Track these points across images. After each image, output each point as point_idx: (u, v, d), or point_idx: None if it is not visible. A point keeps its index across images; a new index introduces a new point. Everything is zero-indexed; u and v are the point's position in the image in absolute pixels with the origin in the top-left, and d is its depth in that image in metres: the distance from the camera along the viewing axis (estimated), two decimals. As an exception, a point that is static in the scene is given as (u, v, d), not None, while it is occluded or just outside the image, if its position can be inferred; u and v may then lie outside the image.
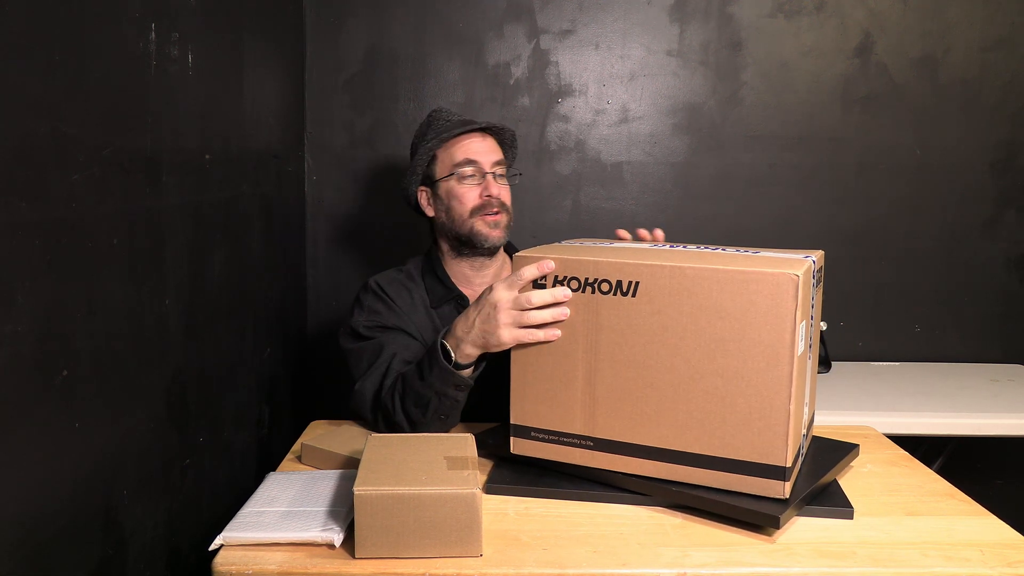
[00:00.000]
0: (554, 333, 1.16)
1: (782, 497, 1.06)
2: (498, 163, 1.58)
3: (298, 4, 2.10)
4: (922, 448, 2.05)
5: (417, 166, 1.60)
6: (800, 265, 1.05)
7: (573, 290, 1.14)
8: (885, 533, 1.08)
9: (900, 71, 2.25)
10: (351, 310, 1.56)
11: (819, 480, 1.15)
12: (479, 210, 1.54)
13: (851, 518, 1.12)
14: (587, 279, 1.14)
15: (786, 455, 1.04)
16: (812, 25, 2.23)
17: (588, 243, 1.30)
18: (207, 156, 1.37)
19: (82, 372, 0.96)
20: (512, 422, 1.22)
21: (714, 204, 2.27)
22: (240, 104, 1.57)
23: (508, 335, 1.18)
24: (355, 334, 1.51)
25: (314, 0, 2.15)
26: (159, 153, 1.17)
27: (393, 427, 1.38)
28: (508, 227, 1.58)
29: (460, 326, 1.27)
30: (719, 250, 1.18)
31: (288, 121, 1.99)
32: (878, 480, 1.24)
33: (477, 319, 1.23)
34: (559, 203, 2.26)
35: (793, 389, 1.03)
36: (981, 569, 0.99)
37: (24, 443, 0.85)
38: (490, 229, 1.54)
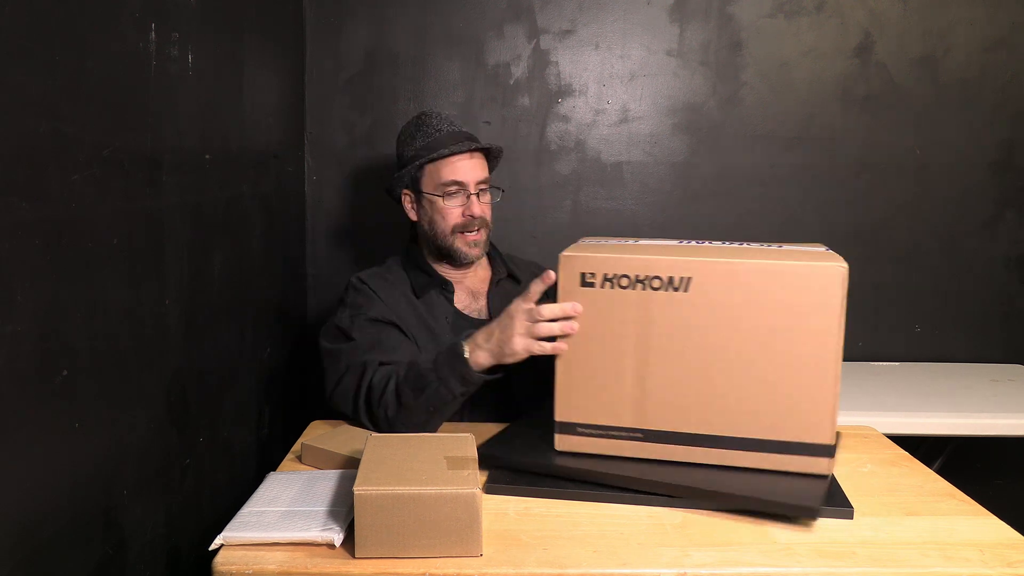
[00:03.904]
0: (562, 347, 1.20)
1: (826, 473, 1.14)
2: (482, 181, 1.61)
3: (298, 4, 2.10)
4: (922, 448, 2.04)
5: (405, 174, 1.62)
6: (836, 258, 1.14)
7: (623, 287, 1.18)
8: (885, 533, 1.08)
9: (900, 71, 2.25)
10: (336, 310, 1.57)
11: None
12: (460, 228, 1.58)
13: (851, 518, 1.12)
14: (637, 276, 1.17)
15: (832, 433, 1.14)
16: (812, 25, 2.23)
17: (613, 241, 1.33)
18: (207, 156, 1.37)
19: (82, 372, 0.96)
20: (557, 419, 1.24)
21: (714, 204, 2.27)
22: (240, 104, 1.57)
23: (521, 344, 1.25)
24: (338, 332, 1.51)
25: (314, 0, 2.15)
26: (159, 153, 1.17)
27: (373, 414, 1.39)
28: (487, 241, 1.64)
29: (482, 334, 1.33)
30: (745, 245, 1.26)
31: (288, 121, 1.99)
32: (878, 480, 1.24)
33: (496, 329, 1.30)
34: (559, 203, 2.26)
35: (839, 372, 1.13)
36: (981, 569, 0.99)
37: (24, 443, 0.85)
38: (469, 248, 1.60)
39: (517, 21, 2.19)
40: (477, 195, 1.59)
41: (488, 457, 1.24)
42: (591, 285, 1.19)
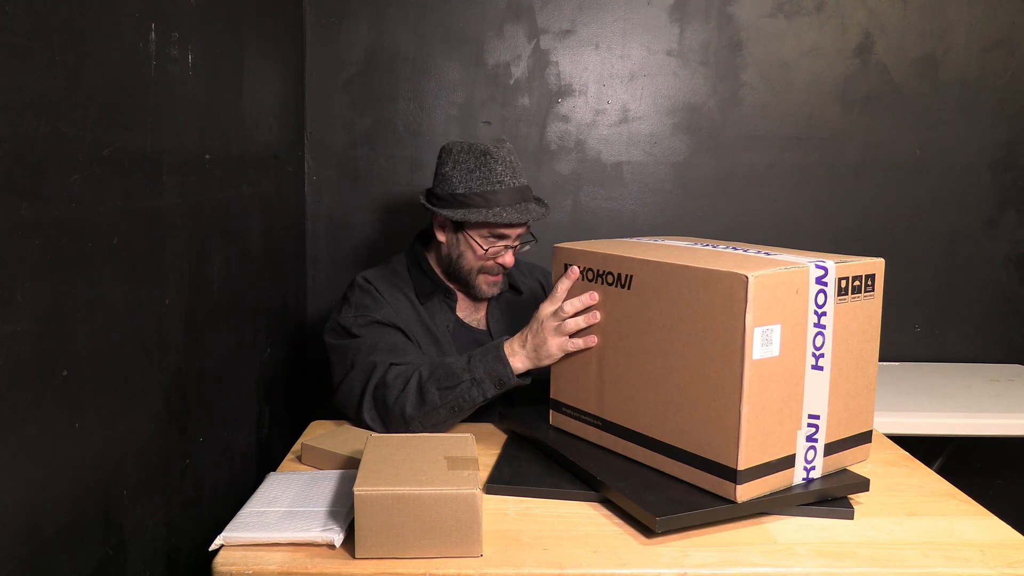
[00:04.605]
0: (592, 339, 1.26)
1: (733, 499, 1.05)
2: (521, 233, 1.59)
3: (298, 4, 2.10)
4: (922, 448, 2.04)
5: (458, 208, 1.52)
6: (770, 265, 1.04)
7: (589, 280, 1.25)
8: (885, 533, 1.08)
9: (900, 71, 2.25)
10: (339, 307, 1.57)
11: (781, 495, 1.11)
12: (486, 270, 1.58)
13: (851, 518, 1.12)
14: (598, 270, 1.23)
15: (737, 457, 1.04)
16: (812, 25, 2.23)
17: (640, 240, 1.35)
18: (207, 156, 1.37)
19: (82, 372, 0.96)
20: (551, 397, 1.35)
21: (714, 204, 2.27)
22: (240, 104, 1.57)
23: (556, 345, 1.30)
24: (343, 330, 1.52)
25: (314, 0, 2.15)
26: (159, 153, 1.17)
27: (388, 410, 1.39)
28: (504, 280, 1.64)
29: (517, 340, 1.36)
30: (738, 250, 1.18)
31: (288, 121, 1.99)
32: (878, 480, 1.24)
33: (529, 335, 1.34)
34: (559, 203, 2.26)
35: (746, 393, 1.02)
36: (981, 569, 0.99)
37: (24, 443, 0.85)
38: (489, 287, 1.60)
39: (517, 21, 2.19)
40: (514, 246, 1.58)
41: (504, 417, 1.45)
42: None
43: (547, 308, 1.31)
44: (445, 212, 1.53)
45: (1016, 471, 2.37)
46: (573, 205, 2.26)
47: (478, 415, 1.44)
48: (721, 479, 1.06)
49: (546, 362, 1.33)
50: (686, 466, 1.11)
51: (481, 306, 1.66)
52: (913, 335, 2.34)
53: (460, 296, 1.63)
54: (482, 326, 1.64)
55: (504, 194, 1.53)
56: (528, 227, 1.60)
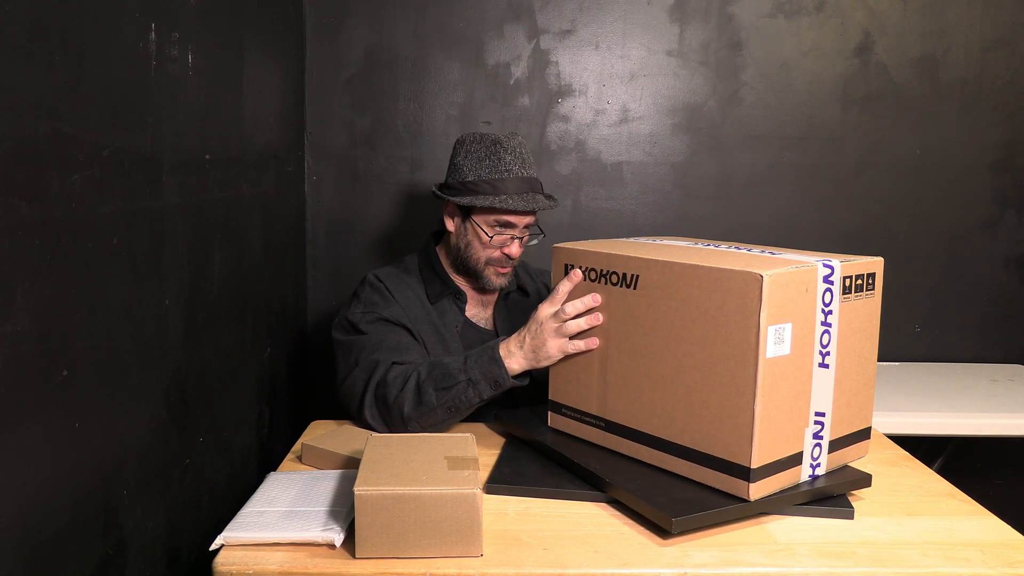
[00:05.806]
0: (593, 342, 1.25)
1: (745, 498, 1.05)
2: (529, 224, 1.60)
3: (298, 4, 2.10)
4: (922, 448, 2.05)
5: (466, 195, 1.55)
6: (781, 265, 1.04)
7: (591, 280, 1.24)
8: (885, 533, 1.08)
9: (900, 71, 2.25)
10: (348, 303, 1.58)
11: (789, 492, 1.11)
12: (494, 261, 1.59)
13: (851, 518, 1.12)
14: (601, 270, 1.22)
15: (751, 456, 1.04)
16: (812, 25, 2.23)
17: (641, 240, 1.35)
18: (207, 156, 1.37)
19: (82, 372, 0.96)
20: (550, 398, 1.34)
21: (714, 204, 2.27)
22: (240, 104, 1.57)
23: (555, 346, 1.29)
24: (350, 326, 1.53)
25: (314, 0, 2.15)
26: (159, 153, 1.17)
27: (387, 409, 1.39)
28: (513, 272, 1.64)
29: (514, 341, 1.35)
30: (742, 250, 1.18)
31: (288, 121, 1.99)
32: (878, 480, 1.24)
33: (527, 336, 1.33)
34: (559, 203, 2.25)
35: (760, 391, 1.02)
36: (981, 569, 0.99)
37: (24, 443, 0.85)
38: (498, 278, 1.61)
39: (517, 21, 2.19)
40: (521, 238, 1.59)
41: (499, 419, 1.43)
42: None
43: (547, 309, 1.30)
44: (453, 199, 1.55)
45: (1016, 471, 2.37)
46: (573, 205, 2.26)
47: (478, 415, 1.44)
48: (734, 478, 1.06)
49: (545, 363, 1.32)
50: (696, 465, 1.11)
51: (489, 305, 1.67)
52: (913, 335, 2.34)
53: (469, 296, 1.64)
54: (489, 326, 1.65)
55: (512, 183, 1.55)
56: (536, 220, 1.60)
